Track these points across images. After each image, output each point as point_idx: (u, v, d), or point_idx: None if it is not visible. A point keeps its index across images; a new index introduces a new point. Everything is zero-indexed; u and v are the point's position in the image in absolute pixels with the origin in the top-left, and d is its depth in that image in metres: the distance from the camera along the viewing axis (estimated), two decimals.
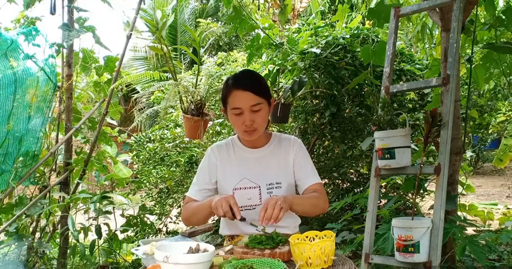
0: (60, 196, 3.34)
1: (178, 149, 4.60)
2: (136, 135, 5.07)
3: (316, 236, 1.42)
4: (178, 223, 4.74)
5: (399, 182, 3.63)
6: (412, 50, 5.90)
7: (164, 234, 4.46)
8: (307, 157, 1.88)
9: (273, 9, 7.08)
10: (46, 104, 3.31)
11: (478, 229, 3.43)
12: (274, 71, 3.80)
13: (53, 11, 3.24)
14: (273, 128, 4.38)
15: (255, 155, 1.85)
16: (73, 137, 3.44)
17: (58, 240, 3.35)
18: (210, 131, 4.33)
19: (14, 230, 3.03)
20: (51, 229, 3.42)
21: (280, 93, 3.61)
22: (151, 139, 4.84)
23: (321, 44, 3.91)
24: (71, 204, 3.17)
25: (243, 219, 1.55)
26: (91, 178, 3.82)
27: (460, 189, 2.92)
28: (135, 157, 4.92)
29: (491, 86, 5.62)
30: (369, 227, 2.35)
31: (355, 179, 4.52)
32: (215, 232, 4.57)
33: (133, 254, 3.31)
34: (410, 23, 4.38)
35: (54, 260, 3.54)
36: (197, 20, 12.58)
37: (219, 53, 6.30)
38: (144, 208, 3.80)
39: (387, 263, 2.31)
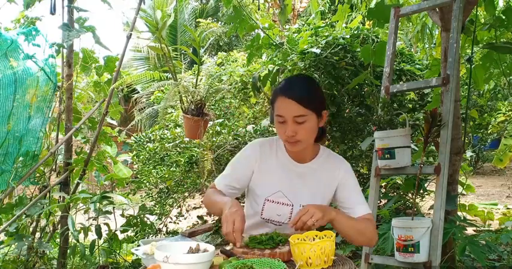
0: (60, 196, 3.34)
1: (178, 149, 4.60)
2: (136, 135, 5.07)
3: (316, 236, 1.42)
4: (178, 223, 4.74)
5: (399, 182, 3.63)
6: (412, 50, 5.91)
7: (164, 234, 4.46)
8: (355, 183, 1.70)
9: (273, 9, 7.08)
10: (46, 104, 3.31)
11: (478, 229, 3.44)
12: (274, 71, 3.80)
13: (53, 11, 3.23)
14: (273, 128, 4.38)
15: (297, 169, 1.69)
16: (73, 137, 3.44)
17: (58, 240, 3.35)
18: (210, 131, 4.33)
19: (14, 230, 3.03)
20: (51, 229, 3.42)
21: None
22: (151, 138, 4.84)
23: (321, 44, 3.91)
24: (71, 204, 3.17)
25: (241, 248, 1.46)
26: (91, 178, 3.82)
27: (460, 189, 2.92)
28: (135, 157, 4.91)
29: (491, 86, 5.62)
30: None
31: None
32: (215, 232, 4.58)
33: (133, 254, 3.31)
34: (410, 23, 4.39)
35: (54, 260, 3.54)
36: (197, 20, 12.59)
37: (219, 53, 6.31)
38: (144, 208, 3.80)
39: (387, 263, 2.31)
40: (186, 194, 4.71)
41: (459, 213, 2.76)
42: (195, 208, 4.99)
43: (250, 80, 4.22)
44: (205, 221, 4.65)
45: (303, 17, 7.14)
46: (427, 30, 4.10)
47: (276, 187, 1.67)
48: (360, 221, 1.60)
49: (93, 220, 3.25)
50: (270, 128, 4.35)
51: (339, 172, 1.68)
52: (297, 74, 1.83)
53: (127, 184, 4.58)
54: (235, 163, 1.73)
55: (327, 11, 7.66)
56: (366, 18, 4.15)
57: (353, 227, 1.56)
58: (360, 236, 1.59)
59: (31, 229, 3.35)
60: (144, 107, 10.80)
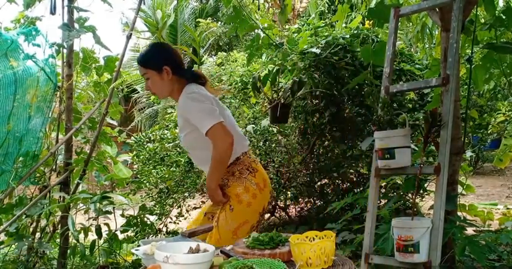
0: (60, 196, 3.34)
1: (178, 149, 4.60)
2: (137, 135, 5.07)
3: (316, 236, 1.42)
4: (178, 223, 4.74)
5: (399, 182, 3.63)
6: (412, 50, 5.90)
7: (164, 234, 4.45)
8: (190, 109, 2.00)
9: (273, 9, 7.07)
10: (46, 104, 3.31)
11: (478, 229, 3.43)
12: (274, 71, 3.80)
13: (53, 11, 3.23)
14: (273, 128, 4.38)
15: None
16: (73, 137, 3.44)
17: (58, 240, 3.35)
18: None
19: (14, 230, 3.03)
20: (51, 229, 3.42)
21: (280, 94, 3.61)
22: (151, 139, 4.84)
23: (321, 44, 3.90)
24: (71, 204, 3.17)
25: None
26: (91, 178, 3.82)
27: (460, 189, 2.92)
28: (135, 157, 4.91)
29: (491, 86, 5.62)
30: (368, 227, 2.35)
31: (355, 179, 4.52)
32: None
33: (133, 254, 3.31)
34: (410, 23, 4.38)
35: (54, 260, 3.54)
36: (197, 20, 12.58)
37: (219, 53, 6.30)
38: (144, 208, 3.79)
39: (387, 263, 2.31)
40: (186, 194, 4.70)
41: (459, 213, 2.76)
42: (195, 208, 4.99)
43: (250, 80, 4.21)
44: None
45: (303, 17, 7.13)
46: (427, 30, 4.10)
47: None
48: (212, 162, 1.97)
49: (93, 220, 3.25)
50: (270, 128, 4.35)
51: (179, 108, 2.08)
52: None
53: (127, 184, 4.58)
54: None
55: (326, 11, 7.66)
56: (365, 18, 4.14)
57: (214, 171, 1.98)
58: (220, 164, 1.97)
59: (31, 229, 3.35)
60: (144, 107, 10.79)
